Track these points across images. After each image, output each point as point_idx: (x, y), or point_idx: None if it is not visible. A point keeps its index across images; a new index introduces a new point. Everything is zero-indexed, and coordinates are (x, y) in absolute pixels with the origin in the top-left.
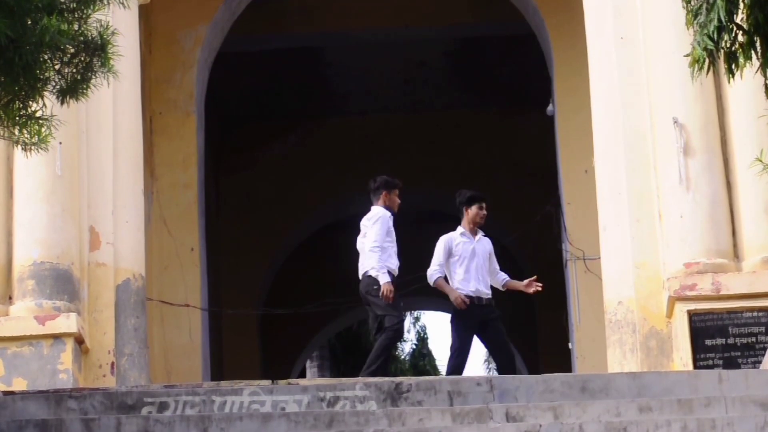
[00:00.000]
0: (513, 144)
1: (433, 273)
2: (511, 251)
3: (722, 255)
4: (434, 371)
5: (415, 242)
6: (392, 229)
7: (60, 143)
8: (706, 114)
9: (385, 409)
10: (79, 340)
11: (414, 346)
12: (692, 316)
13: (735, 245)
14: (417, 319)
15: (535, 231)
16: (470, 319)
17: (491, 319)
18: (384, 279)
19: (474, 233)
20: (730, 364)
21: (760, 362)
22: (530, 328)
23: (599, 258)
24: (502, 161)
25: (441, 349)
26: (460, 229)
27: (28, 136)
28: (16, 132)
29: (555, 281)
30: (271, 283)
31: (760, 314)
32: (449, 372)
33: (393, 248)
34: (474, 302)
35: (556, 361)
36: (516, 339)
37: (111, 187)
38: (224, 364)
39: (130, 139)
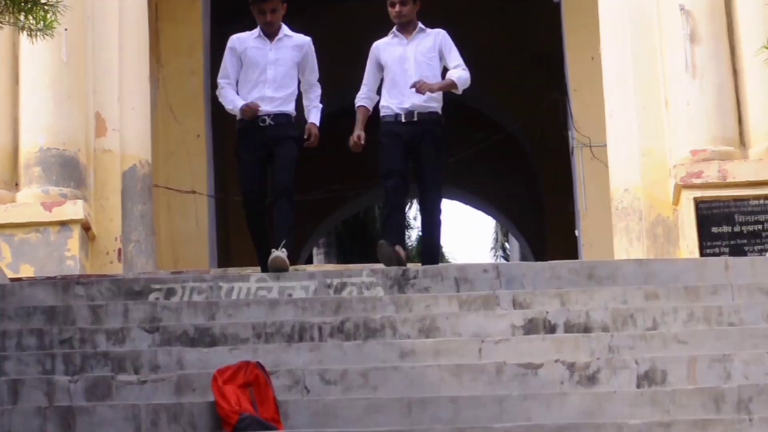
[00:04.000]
0: (519, 31)
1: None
2: (518, 138)
3: (728, 142)
4: (441, 258)
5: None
6: (251, 56)
7: (65, 29)
8: (713, 1)
9: (392, 295)
10: (85, 227)
11: (420, 234)
12: (698, 203)
13: (741, 133)
14: None
15: (541, 118)
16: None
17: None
18: (239, 105)
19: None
20: (737, 251)
21: (766, 250)
22: (537, 215)
23: (605, 145)
24: (508, 48)
25: (447, 236)
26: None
27: (34, 22)
28: (22, 18)
29: (561, 168)
30: None
31: (767, 202)
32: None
33: (249, 83)
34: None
35: (562, 249)
36: (523, 226)
37: (117, 74)
38: (231, 251)
39: (135, 25)
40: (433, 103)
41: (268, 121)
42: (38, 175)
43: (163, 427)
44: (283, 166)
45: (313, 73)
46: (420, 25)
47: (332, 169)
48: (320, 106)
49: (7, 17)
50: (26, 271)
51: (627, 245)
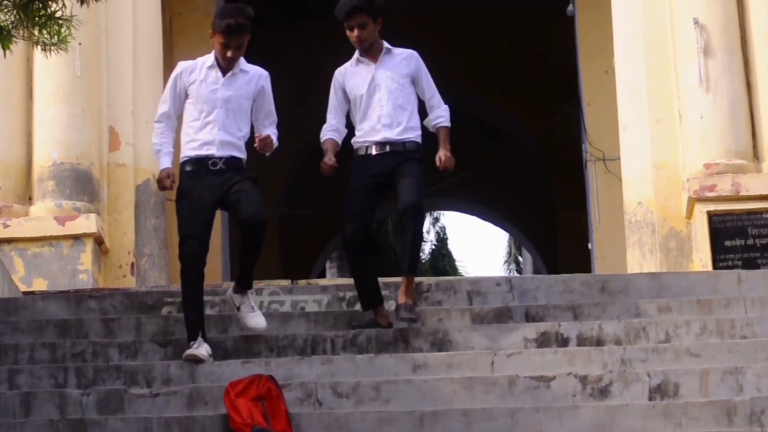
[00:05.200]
0: (533, 44)
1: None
2: (531, 151)
3: (742, 156)
4: (454, 272)
5: (435, 143)
6: (200, 91)
7: (80, 44)
8: (727, 14)
9: None
10: (99, 241)
11: (433, 247)
12: (712, 216)
13: (755, 146)
14: (437, 219)
15: (554, 131)
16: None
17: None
18: (162, 165)
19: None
20: (750, 264)
21: None
22: (550, 228)
23: (619, 158)
24: (521, 61)
25: (460, 249)
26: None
27: (48, 36)
28: (36, 32)
29: (575, 182)
30: (291, 184)
31: None
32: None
33: (197, 121)
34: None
35: (575, 262)
36: (536, 239)
37: (131, 88)
38: None
39: (149, 39)
40: (410, 133)
41: (219, 165)
42: (51, 189)
43: None
44: (250, 199)
45: (270, 116)
46: (386, 44)
47: (345, 182)
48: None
49: (21, 31)
50: (39, 285)
51: (640, 258)
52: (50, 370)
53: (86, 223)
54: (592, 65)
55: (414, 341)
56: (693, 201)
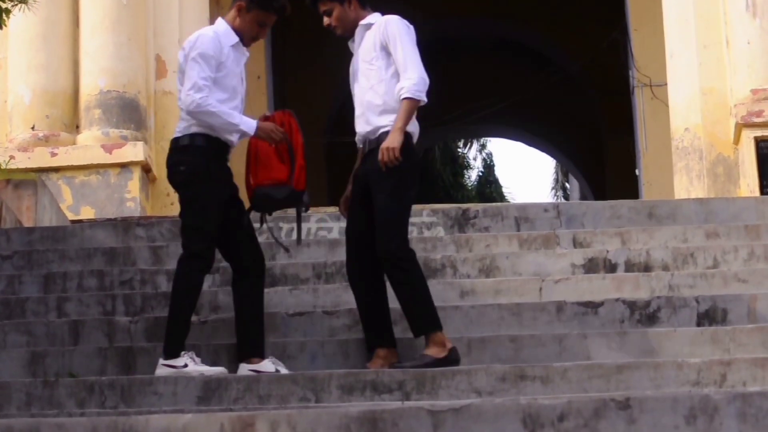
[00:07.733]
0: None
1: None
2: (578, 79)
3: None
4: (500, 198)
5: (483, 70)
6: (234, 69)
7: None
8: None
9: (452, 235)
10: (146, 169)
11: (480, 174)
12: (759, 142)
13: None
14: (483, 146)
15: (601, 58)
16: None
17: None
18: (251, 123)
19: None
20: None
21: None
22: (597, 154)
23: (666, 84)
24: None
25: (507, 176)
26: None
27: None
28: None
29: (622, 108)
30: (338, 111)
31: None
32: None
33: (227, 103)
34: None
35: (622, 188)
36: (583, 166)
37: (177, 16)
38: None
39: None
40: (386, 117)
41: (229, 159)
42: (98, 117)
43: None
44: (254, 236)
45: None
46: (366, 20)
47: None
48: None
49: None
50: (87, 213)
51: (687, 184)
52: (98, 297)
53: (133, 151)
54: None
55: (462, 267)
56: (740, 127)
